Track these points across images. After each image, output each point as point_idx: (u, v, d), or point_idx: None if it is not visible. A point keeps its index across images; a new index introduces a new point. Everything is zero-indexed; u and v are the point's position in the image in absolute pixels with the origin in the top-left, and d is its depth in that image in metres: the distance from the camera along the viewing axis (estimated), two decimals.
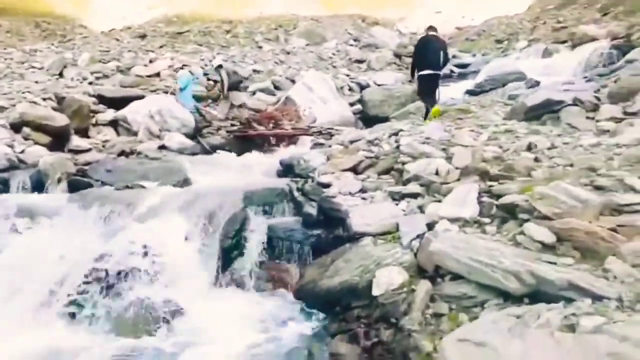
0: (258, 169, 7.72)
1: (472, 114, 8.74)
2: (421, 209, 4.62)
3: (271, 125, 11.50)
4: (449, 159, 5.41)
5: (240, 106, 12.93)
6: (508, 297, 3.32)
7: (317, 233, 5.06)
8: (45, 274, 4.69)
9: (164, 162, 8.05)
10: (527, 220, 3.83)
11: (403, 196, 4.86)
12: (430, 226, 4.36)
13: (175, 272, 5.10)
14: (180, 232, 5.37)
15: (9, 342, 4.13)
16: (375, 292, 3.99)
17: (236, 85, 13.87)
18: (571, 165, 4.65)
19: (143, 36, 27.51)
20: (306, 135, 10.70)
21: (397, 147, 5.82)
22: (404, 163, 5.43)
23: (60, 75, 13.63)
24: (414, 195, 4.82)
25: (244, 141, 10.92)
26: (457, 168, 5.18)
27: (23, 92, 9.83)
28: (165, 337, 4.43)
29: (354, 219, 4.60)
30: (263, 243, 5.26)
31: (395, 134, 6.27)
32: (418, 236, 4.30)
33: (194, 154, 9.75)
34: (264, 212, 5.57)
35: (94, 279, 4.70)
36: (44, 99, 9.59)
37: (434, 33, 9.16)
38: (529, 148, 5.28)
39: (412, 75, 9.23)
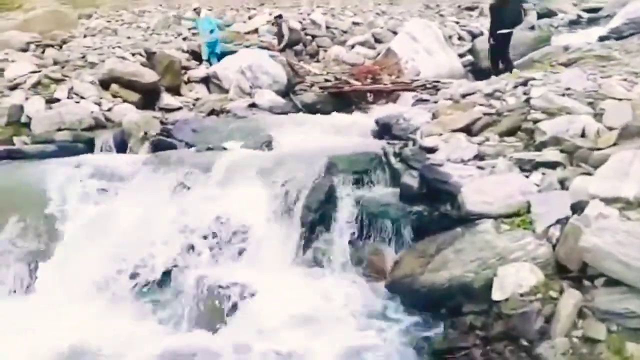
0: (351, 130, 6.77)
1: (617, 61, 7.08)
2: (562, 183, 3.47)
3: (369, 80, 10.41)
4: (598, 115, 4.11)
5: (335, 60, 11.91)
6: None
7: (419, 210, 4.07)
8: (109, 247, 4.22)
9: (250, 122, 7.40)
10: None
11: (536, 165, 3.72)
12: (577, 208, 3.21)
13: (251, 248, 4.44)
14: (257, 202, 4.67)
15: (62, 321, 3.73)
16: (496, 295, 2.99)
17: (295, 43, 12.53)
18: None
19: None
20: (408, 91, 9.51)
21: (527, 100, 4.56)
22: (536, 121, 4.21)
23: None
24: (553, 165, 3.67)
25: (339, 98, 9.98)
26: (610, 128, 3.87)
27: (113, 48, 9.64)
28: (234, 326, 3.78)
29: (468, 195, 3.56)
30: (352, 219, 4.36)
31: (524, 84, 4.98)
32: (558, 221, 3.22)
33: (285, 112, 9.00)
34: (354, 182, 4.65)
35: (161, 255, 4.14)
36: (133, 54, 9.30)
37: None
38: None
39: (492, 34, 8.59)
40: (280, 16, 12.61)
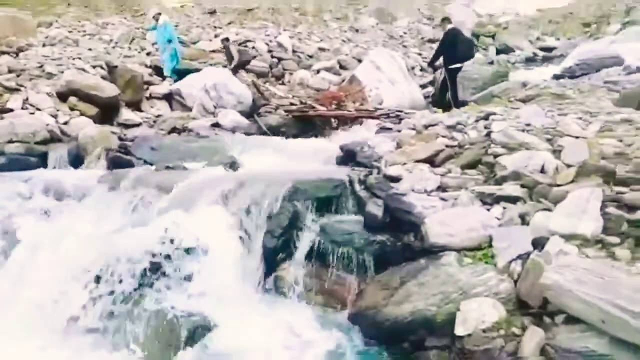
0: (315, 155, 6.74)
1: (571, 100, 7.38)
2: (523, 218, 3.51)
3: (333, 106, 10.48)
4: (556, 152, 4.22)
5: (300, 84, 11.94)
6: None
7: (382, 239, 4.02)
8: (55, 269, 3.97)
9: (212, 142, 7.27)
10: None
11: (497, 199, 3.76)
12: (537, 244, 3.25)
13: (209, 275, 4.27)
14: (218, 226, 4.52)
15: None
16: (459, 330, 2.96)
17: (244, 63, 12.41)
18: None
19: (213, 12, 27.32)
20: (372, 119, 9.61)
21: (488, 134, 4.65)
22: (496, 155, 4.28)
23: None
24: (513, 200, 3.70)
25: (304, 122, 9.98)
26: (568, 165, 3.98)
27: (73, 59, 9.36)
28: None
29: (431, 226, 3.55)
30: (315, 246, 4.29)
31: (485, 118, 5.08)
32: (519, 257, 3.23)
33: (248, 133, 8.90)
34: (317, 208, 4.59)
35: (111, 281, 3.92)
36: (94, 67, 9.04)
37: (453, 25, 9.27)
38: None
39: (432, 65, 9.63)
40: (227, 39, 12.62)
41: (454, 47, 8.87)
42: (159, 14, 12.22)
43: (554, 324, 2.84)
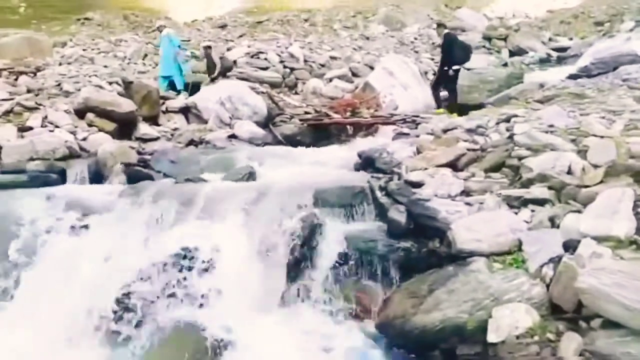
0: (333, 162, 6.70)
1: (591, 99, 7.26)
2: (552, 221, 3.43)
3: (348, 113, 10.45)
4: (581, 152, 4.13)
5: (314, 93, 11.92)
6: None
7: (406, 246, 3.98)
8: (81, 286, 3.99)
9: (230, 153, 7.28)
10: None
11: (524, 202, 3.68)
12: (568, 247, 3.16)
13: (231, 286, 4.25)
14: (239, 237, 4.51)
15: None
16: (492, 337, 2.89)
17: (227, 70, 12.19)
18: None
19: (224, 26, 27.61)
20: (388, 124, 9.55)
21: (510, 136, 4.57)
22: (520, 157, 4.21)
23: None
24: (541, 202, 3.63)
25: (319, 130, 9.96)
26: (595, 166, 3.89)
27: (90, 76, 9.47)
28: None
29: (458, 232, 3.49)
30: (338, 254, 4.24)
31: (507, 121, 5.01)
32: (551, 260, 3.14)
33: (264, 144, 8.92)
34: (340, 216, 4.55)
35: (134, 294, 3.92)
36: (110, 84, 9.13)
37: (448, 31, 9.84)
38: None
39: (442, 70, 9.72)
40: (209, 47, 12.48)
41: (450, 51, 9.31)
42: (164, 26, 12.27)
43: (591, 329, 2.76)
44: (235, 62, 13.54)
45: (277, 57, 14.55)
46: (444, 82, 9.79)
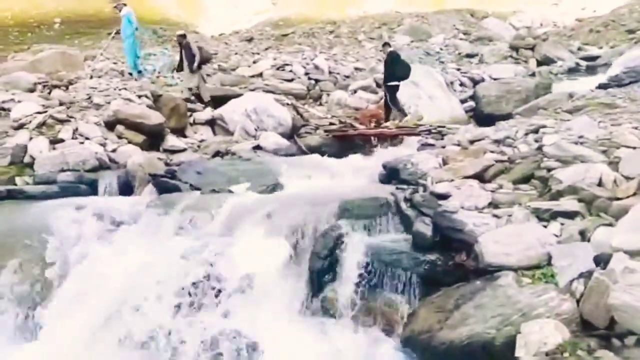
0: (358, 174, 6.69)
1: (622, 109, 7.09)
2: (583, 234, 3.34)
3: (373, 124, 10.43)
4: (613, 164, 4.03)
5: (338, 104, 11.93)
6: None
7: (432, 259, 3.92)
8: (108, 293, 4.05)
9: (256, 165, 7.31)
10: None
11: (554, 215, 3.60)
12: (600, 261, 3.07)
13: (257, 297, 4.26)
14: (264, 248, 4.52)
15: None
16: (520, 353, 2.83)
17: (206, 60, 11.46)
18: None
19: (250, 39, 27.98)
20: (413, 135, 9.49)
21: (539, 147, 4.49)
22: (550, 169, 4.13)
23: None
24: (571, 215, 3.55)
25: (344, 141, 9.97)
26: (628, 178, 3.79)
27: (120, 89, 9.68)
28: None
29: (486, 245, 3.43)
30: (362, 266, 4.21)
31: (535, 131, 4.93)
32: (581, 275, 3.05)
33: (289, 154, 8.96)
34: (364, 228, 4.52)
35: (161, 303, 3.97)
36: (139, 97, 9.32)
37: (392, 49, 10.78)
38: None
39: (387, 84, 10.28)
40: (184, 35, 11.21)
41: (393, 67, 10.11)
42: (124, 4, 11.65)
43: (625, 346, 2.67)
44: (261, 73, 13.69)
45: (302, 69, 14.67)
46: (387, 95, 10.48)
